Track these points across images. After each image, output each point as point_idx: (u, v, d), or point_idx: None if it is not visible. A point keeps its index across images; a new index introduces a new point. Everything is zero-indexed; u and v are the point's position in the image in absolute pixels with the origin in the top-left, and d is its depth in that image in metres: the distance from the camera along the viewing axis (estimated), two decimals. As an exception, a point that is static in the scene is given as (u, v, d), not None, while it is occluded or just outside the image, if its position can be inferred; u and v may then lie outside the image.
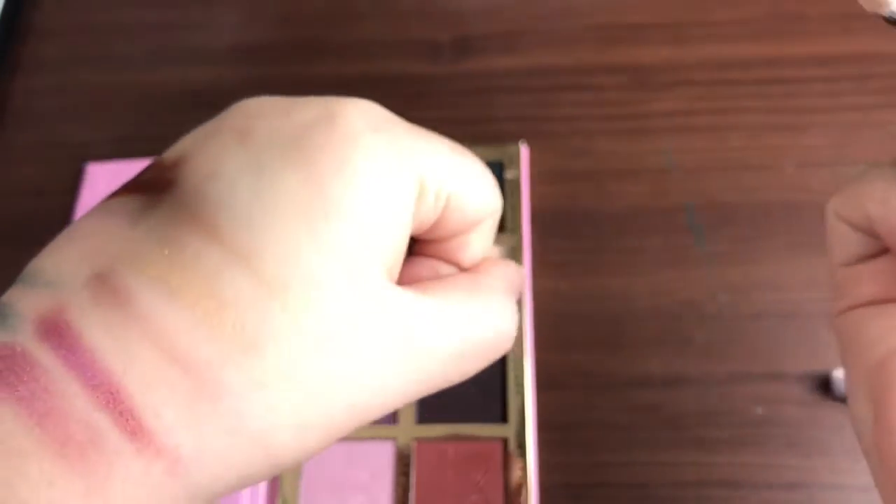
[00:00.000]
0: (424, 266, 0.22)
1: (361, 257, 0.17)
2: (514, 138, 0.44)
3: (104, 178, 0.46)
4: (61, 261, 0.17)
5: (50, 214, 0.46)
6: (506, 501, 0.36)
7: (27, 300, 0.16)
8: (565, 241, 0.43)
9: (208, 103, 0.49)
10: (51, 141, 0.49)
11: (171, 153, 0.19)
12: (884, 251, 0.22)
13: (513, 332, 0.22)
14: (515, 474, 0.37)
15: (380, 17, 0.50)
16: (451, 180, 0.20)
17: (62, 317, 0.16)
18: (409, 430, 0.38)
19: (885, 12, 0.17)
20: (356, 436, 0.37)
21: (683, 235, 0.42)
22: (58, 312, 0.16)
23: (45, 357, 0.15)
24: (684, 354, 0.39)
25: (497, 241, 0.41)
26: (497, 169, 0.43)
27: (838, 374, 0.37)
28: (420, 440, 0.38)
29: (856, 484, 0.36)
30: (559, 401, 0.39)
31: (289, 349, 0.16)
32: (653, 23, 0.48)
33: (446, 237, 0.21)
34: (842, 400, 0.37)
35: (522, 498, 0.36)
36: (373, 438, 0.38)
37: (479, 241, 0.22)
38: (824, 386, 0.38)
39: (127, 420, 0.15)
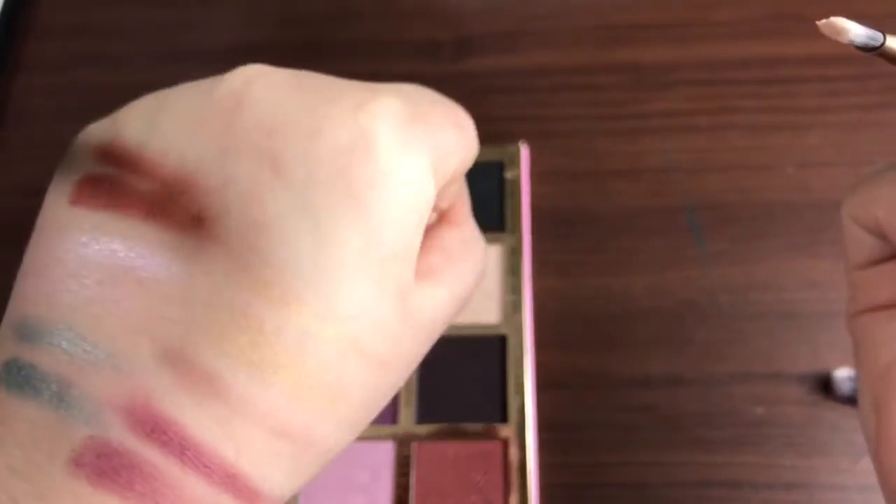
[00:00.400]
0: None
1: (406, 281, 0.18)
2: (514, 138, 0.44)
3: (104, 178, 0.46)
4: (110, 327, 0.16)
5: (50, 214, 0.46)
6: (506, 501, 0.36)
7: (95, 383, 0.15)
8: (565, 241, 0.43)
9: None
10: (50, 141, 0.49)
11: (160, 159, 0.17)
12: None
13: (483, 270, 0.23)
14: (515, 474, 0.37)
15: (380, 16, 0.50)
16: (458, 160, 0.21)
17: (152, 407, 0.15)
18: (409, 430, 0.38)
19: (845, 40, 0.17)
20: (356, 436, 0.37)
21: (683, 235, 0.42)
22: (144, 401, 0.15)
23: (154, 455, 0.15)
24: (684, 354, 0.39)
25: (497, 240, 0.41)
26: (497, 169, 0.43)
27: (838, 374, 0.37)
28: (420, 440, 0.38)
29: (855, 484, 0.36)
30: (559, 401, 0.39)
31: (366, 389, 0.18)
32: (652, 23, 0.48)
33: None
34: (842, 400, 0.37)
35: (523, 498, 0.36)
36: (373, 438, 0.38)
37: (458, 185, 0.23)
38: (824, 386, 0.38)
39: (246, 495, 0.16)
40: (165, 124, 0.17)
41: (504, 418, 0.38)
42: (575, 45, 0.47)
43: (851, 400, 0.37)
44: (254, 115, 0.17)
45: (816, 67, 0.45)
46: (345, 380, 0.17)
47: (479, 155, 0.47)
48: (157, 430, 0.15)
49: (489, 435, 0.37)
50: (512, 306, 0.40)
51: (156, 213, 0.17)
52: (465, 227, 0.23)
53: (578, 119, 0.45)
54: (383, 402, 0.19)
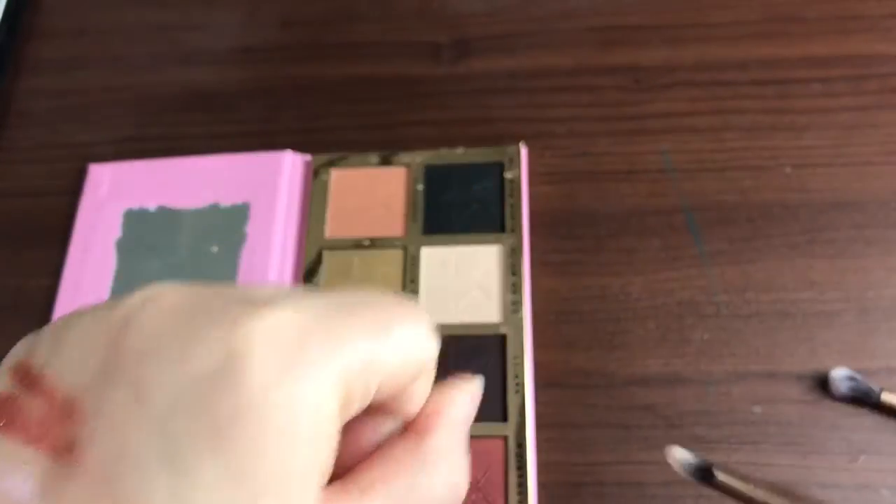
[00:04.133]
0: (366, 428, 0.20)
1: None
2: (514, 139, 0.44)
3: (106, 178, 0.46)
4: None
5: (51, 215, 0.46)
6: (506, 501, 0.36)
7: None
8: (564, 241, 0.43)
9: (209, 104, 0.49)
10: (52, 142, 0.49)
11: (56, 381, 0.17)
12: None
13: (465, 486, 0.21)
14: (515, 473, 0.37)
15: (380, 18, 0.50)
16: (380, 368, 0.18)
17: None
18: (410, 429, 0.38)
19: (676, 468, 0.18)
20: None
21: (682, 235, 0.42)
22: None
23: None
24: (682, 354, 0.40)
25: (497, 240, 0.42)
26: (497, 169, 0.43)
27: (835, 373, 0.38)
28: (420, 439, 0.38)
29: (853, 483, 0.36)
30: (559, 400, 0.39)
31: None
32: (651, 24, 0.48)
33: (384, 400, 0.19)
34: (839, 399, 0.38)
35: (522, 497, 0.36)
36: (373, 437, 0.38)
37: (422, 388, 0.21)
38: (822, 385, 0.38)
39: None
40: (67, 345, 0.17)
41: (504, 417, 0.38)
42: (574, 47, 0.48)
43: (849, 399, 0.38)
44: (134, 341, 0.17)
45: (813, 69, 0.45)
46: None
47: (480, 156, 0.48)
48: None
49: (489, 434, 0.38)
50: (512, 306, 0.40)
51: (39, 437, 0.16)
52: (435, 439, 0.20)
53: (578, 120, 0.46)
54: None
